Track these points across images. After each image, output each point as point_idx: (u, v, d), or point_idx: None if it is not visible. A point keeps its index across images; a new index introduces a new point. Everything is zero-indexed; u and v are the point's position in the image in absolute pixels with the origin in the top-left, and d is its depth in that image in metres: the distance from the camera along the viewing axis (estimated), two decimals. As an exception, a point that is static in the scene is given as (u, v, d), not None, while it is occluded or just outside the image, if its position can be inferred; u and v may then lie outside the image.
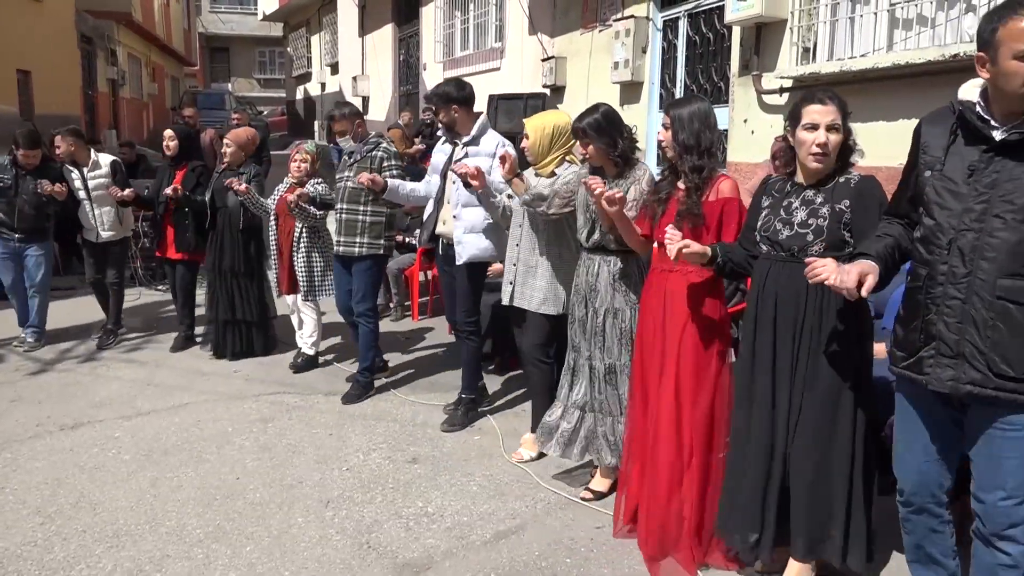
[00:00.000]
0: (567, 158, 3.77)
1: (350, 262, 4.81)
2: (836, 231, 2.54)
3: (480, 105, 9.92)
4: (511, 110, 8.60)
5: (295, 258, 5.25)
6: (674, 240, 2.72)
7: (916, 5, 4.91)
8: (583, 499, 3.48)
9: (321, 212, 5.15)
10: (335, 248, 4.87)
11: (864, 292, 2.16)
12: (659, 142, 3.07)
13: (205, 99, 21.18)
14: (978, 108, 2.13)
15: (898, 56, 4.82)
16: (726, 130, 6.37)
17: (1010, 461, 2.10)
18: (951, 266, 2.11)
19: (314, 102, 21.48)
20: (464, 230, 4.18)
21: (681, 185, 2.98)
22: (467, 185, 3.87)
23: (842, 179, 2.59)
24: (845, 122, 2.57)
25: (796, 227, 2.60)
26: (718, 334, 2.99)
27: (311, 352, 5.45)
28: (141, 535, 3.20)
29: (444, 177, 4.33)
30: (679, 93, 7.22)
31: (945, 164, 2.17)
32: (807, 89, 5.35)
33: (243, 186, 5.22)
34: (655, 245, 3.09)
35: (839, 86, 5.22)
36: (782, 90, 5.68)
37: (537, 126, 3.74)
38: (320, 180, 5.31)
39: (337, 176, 4.94)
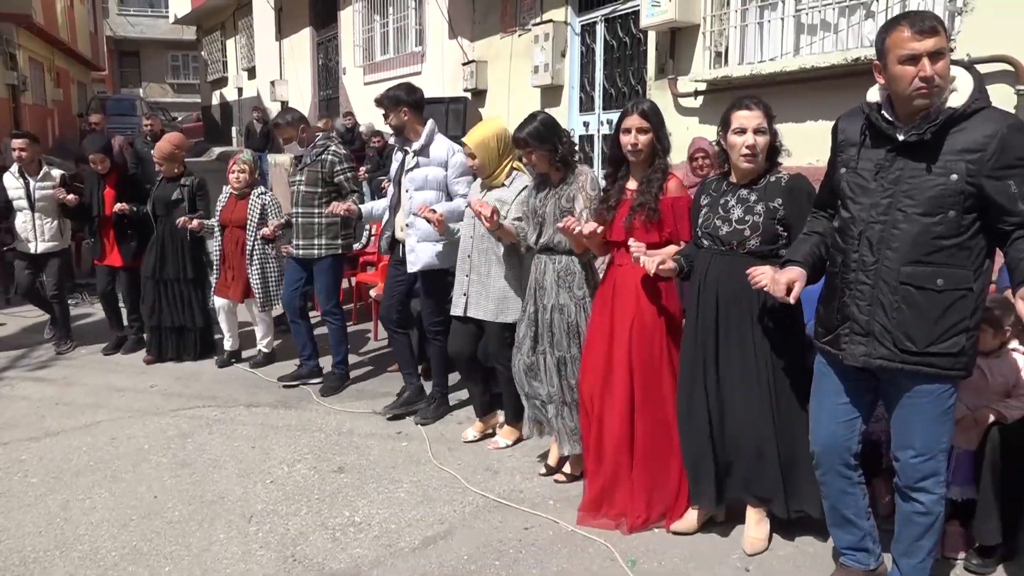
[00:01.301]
0: (513, 166, 3.84)
1: (309, 263, 4.92)
2: (770, 227, 2.78)
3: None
4: (433, 114, 8.54)
5: (249, 269, 5.37)
6: (641, 251, 2.92)
7: (820, 11, 5.11)
8: (557, 480, 3.65)
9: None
10: (295, 251, 4.93)
11: (791, 299, 2.47)
12: (633, 145, 3.13)
13: (115, 105, 20.45)
14: (883, 111, 2.33)
15: (804, 60, 5.01)
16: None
17: (917, 424, 2.39)
18: (861, 255, 2.35)
19: (231, 107, 20.95)
20: (417, 238, 4.19)
21: (632, 186, 3.19)
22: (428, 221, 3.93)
23: (773, 178, 2.84)
24: (771, 125, 2.82)
25: (734, 223, 2.84)
26: (670, 321, 3.19)
27: (268, 350, 5.65)
28: (51, 561, 3.05)
29: (398, 184, 4.35)
30: (598, 97, 7.33)
31: (858, 162, 2.38)
32: (720, 92, 5.54)
33: (195, 223, 5.37)
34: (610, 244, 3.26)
35: (750, 89, 5.39)
36: (697, 93, 5.83)
37: (480, 142, 3.76)
38: (263, 190, 5.46)
39: (290, 181, 5.01)
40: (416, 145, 4.24)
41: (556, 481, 3.65)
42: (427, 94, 10.18)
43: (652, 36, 6.24)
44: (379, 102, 4.33)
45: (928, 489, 2.43)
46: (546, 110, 7.71)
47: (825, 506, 2.71)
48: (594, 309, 3.35)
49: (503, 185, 3.79)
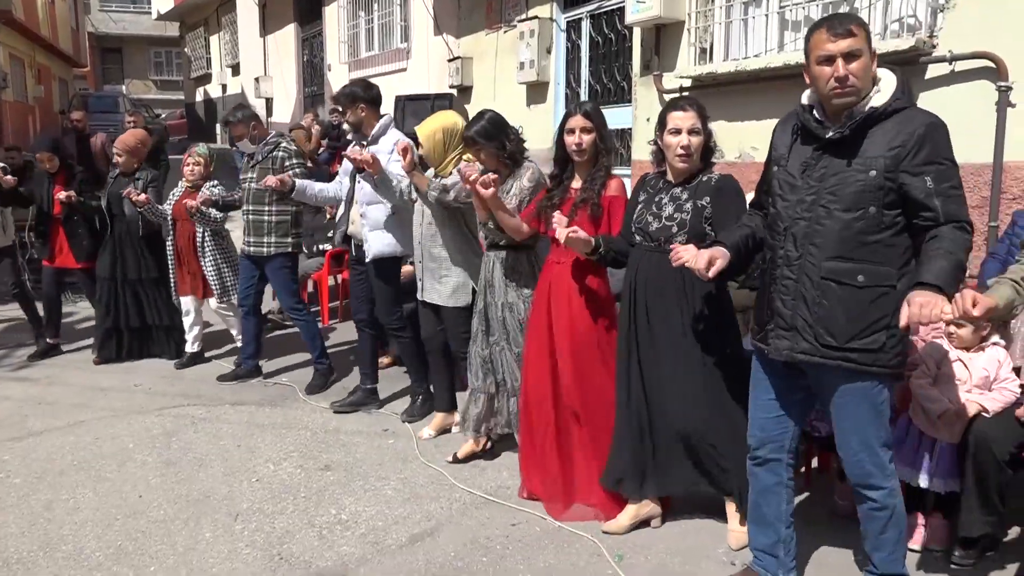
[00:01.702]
0: (464, 157, 3.86)
1: (261, 262, 4.92)
2: (697, 224, 2.87)
3: (387, 106, 9.82)
4: (418, 111, 8.55)
5: (203, 263, 5.30)
6: (562, 224, 2.98)
7: (804, 8, 5.13)
8: (448, 461, 3.83)
9: (221, 215, 5.19)
10: (245, 248, 4.93)
11: (711, 274, 2.50)
12: (577, 145, 3.21)
13: (97, 102, 20.21)
14: (814, 111, 2.41)
15: (788, 56, 5.02)
16: (630, 129, 6.51)
17: (849, 423, 2.44)
18: (786, 250, 2.41)
19: (215, 104, 20.81)
20: (369, 228, 4.27)
21: (576, 185, 3.29)
22: (360, 171, 4.03)
23: (704, 178, 2.93)
24: (705, 126, 2.90)
25: (664, 220, 2.93)
26: (604, 313, 3.30)
27: (197, 349, 5.60)
28: (34, 562, 3.03)
29: (353, 178, 4.39)
30: (584, 93, 7.33)
31: (788, 160, 2.46)
32: (706, 89, 5.55)
33: (141, 196, 5.19)
34: (553, 242, 3.29)
35: (735, 85, 5.41)
36: (682, 89, 5.84)
37: (427, 133, 3.85)
38: (216, 183, 5.35)
39: (240, 178, 5.00)
40: (370, 136, 4.30)
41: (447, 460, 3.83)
42: (413, 90, 10.20)
43: (637, 32, 6.24)
44: (336, 99, 4.35)
45: (876, 485, 2.45)
46: (532, 107, 7.72)
47: (749, 501, 2.75)
48: (533, 304, 3.45)
49: (451, 174, 3.83)
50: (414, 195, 3.97)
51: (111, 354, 5.61)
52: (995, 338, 3.01)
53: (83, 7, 30.71)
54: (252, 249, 4.89)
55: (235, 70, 18.32)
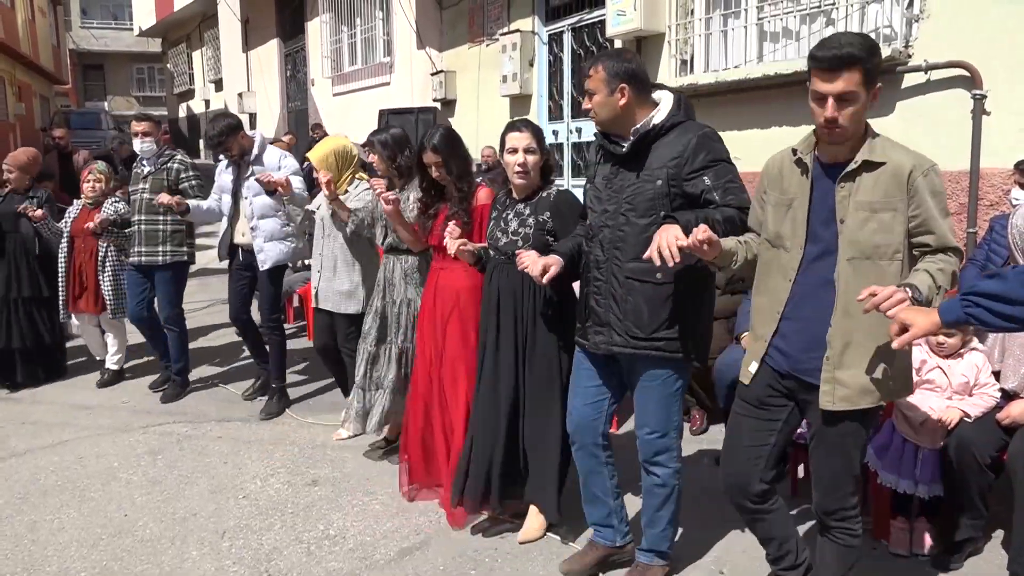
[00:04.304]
0: (356, 176, 4.31)
1: (151, 271, 5.04)
2: (540, 237, 3.06)
3: (371, 120, 9.88)
4: (402, 125, 8.58)
5: (100, 278, 5.32)
6: (453, 236, 3.23)
7: (782, 19, 5.20)
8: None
9: (129, 230, 5.16)
10: (135, 259, 5.02)
11: (545, 280, 2.75)
12: (437, 174, 3.49)
13: (79, 119, 20.12)
14: (608, 134, 2.68)
15: (768, 67, 5.09)
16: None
17: (650, 404, 2.71)
18: (595, 255, 2.69)
19: (198, 119, 20.76)
20: (264, 238, 4.63)
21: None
22: (271, 193, 4.39)
23: (544, 193, 3.14)
24: (542, 145, 3.12)
25: (510, 235, 3.14)
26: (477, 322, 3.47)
27: (116, 368, 5.55)
28: (18, 583, 3.00)
29: (235, 196, 4.71)
30: (567, 105, 7.39)
31: (595, 177, 2.76)
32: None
33: (38, 211, 5.26)
34: (433, 248, 3.64)
35: (716, 96, 5.47)
36: (663, 101, 5.89)
37: (320, 159, 4.19)
38: (118, 198, 5.41)
39: (131, 189, 5.11)
40: (251, 156, 4.66)
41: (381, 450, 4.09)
42: (396, 104, 10.24)
43: (619, 45, 6.30)
44: (210, 141, 4.69)
45: (663, 463, 2.75)
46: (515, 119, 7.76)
47: (580, 483, 2.98)
48: (422, 306, 3.70)
49: (346, 191, 4.23)
50: (316, 205, 4.36)
51: (12, 378, 5.42)
52: (975, 343, 3.05)
53: (64, 24, 30.60)
54: (145, 259, 4.96)
55: (218, 85, 18.31)
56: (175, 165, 4.96)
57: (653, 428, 2.72)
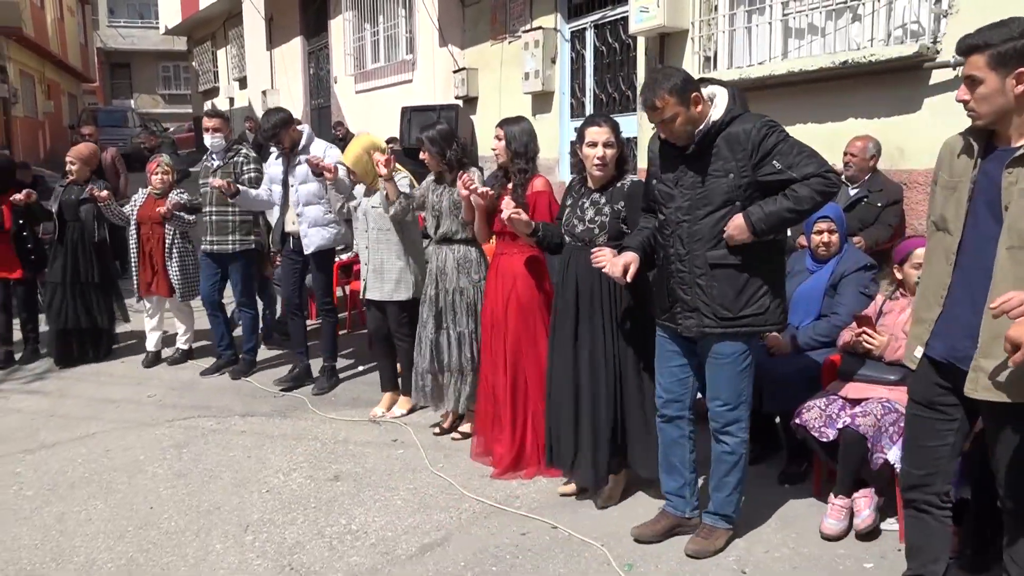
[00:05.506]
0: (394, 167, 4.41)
1: (224, 259, 5.37)
2: (615, 225, 3.25)
3: (393, 117, 9.90)
4: (424, 122, 8.61)
5: (168, 264, 5.61)
6: (508, 207, 3.36)
7: (807, 15, 5.15)
8: (454, 439, 4.26)
9: (193, 217, 5.54)
10: (207, 247, 5.34)
11: (628, 277, 2.92)
12: (493, 151, 3.82)
13: (106, 116, 20.36)
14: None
15: (792, 63, 5.04)
16: (635, 137, 6.52)
17: (722, 380, 2.92)
18: (676, 250, 2.87)
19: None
20: (308, 224, 4.89)
21: (509, 185, 3.75)
22: (319, 175, 4.52)
23: (619, 184, 3.30)
24: (619, 139, 3.26)
25: (587, 222, 3.31)
26: (544, 300, 3.76)
27: (186, 347, 5.90)
28: (47, 574, 3.05)
29: (285, 185, 4.96)
30: (588, 102, 7.37)
31: (662, 175, 2.94)
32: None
33: (103, 192, 5.57)
34: (495, 235, 3.84)
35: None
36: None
37: (355, 157, 4.38)
38: (182, 190, 5.70)
39: (201, 182, 5.41)
40: (300, 146, 4.90)
41: (453, 439, 4.26)
42: (418, 102, 10.25)
43: (641, 42, 6.28)
44: (263, 133, 4.93)
45: (733, 433, 2.96)
46: (538, 116, 7.75)
47: (659, 453, 3.18)
48: (486, 291, 3.94)
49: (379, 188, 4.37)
50: (355, 203, 4.56)
51: (60, 357, 5.80)
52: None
53: (92, 23, 31.01)
54: (216, 247, 5.29)
55: (242, 83, 18.44)
56: (239, 159, 5.29)
57: (725, 400, 2.93)
